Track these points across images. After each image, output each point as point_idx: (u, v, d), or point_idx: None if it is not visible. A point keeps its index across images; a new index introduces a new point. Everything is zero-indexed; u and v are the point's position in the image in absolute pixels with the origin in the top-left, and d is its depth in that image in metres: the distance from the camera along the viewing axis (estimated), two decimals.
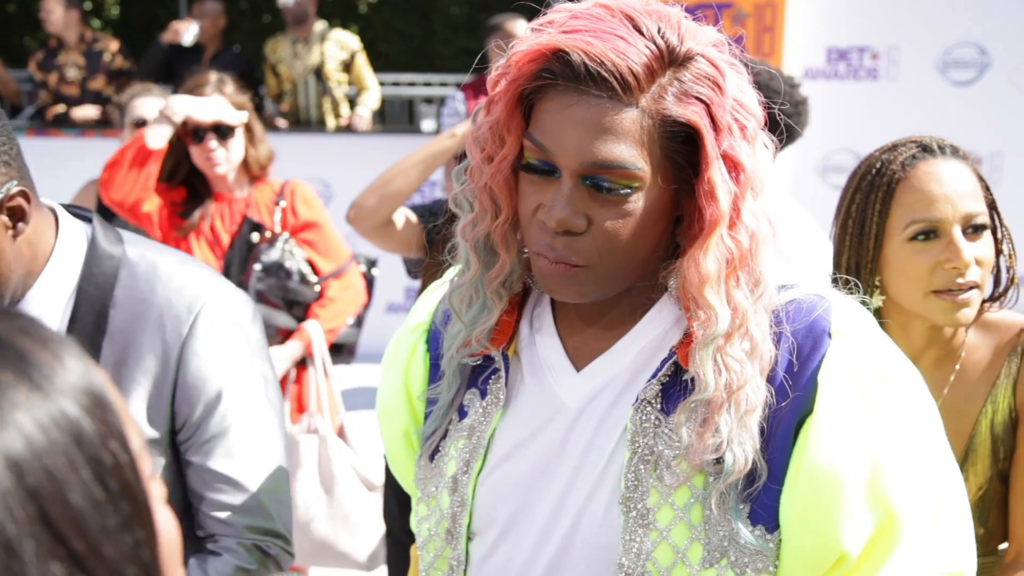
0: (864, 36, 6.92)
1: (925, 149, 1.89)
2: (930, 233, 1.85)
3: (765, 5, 6.77)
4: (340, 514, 3.32)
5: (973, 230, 1.86)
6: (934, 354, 1.94)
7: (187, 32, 7.21)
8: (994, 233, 1.91)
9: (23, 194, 1.52)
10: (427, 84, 9.90)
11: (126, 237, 1.69)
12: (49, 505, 0.62)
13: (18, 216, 1.52)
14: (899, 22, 6.83)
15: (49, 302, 1.58)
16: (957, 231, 1.84)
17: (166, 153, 3.32)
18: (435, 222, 2.88)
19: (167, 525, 0.73)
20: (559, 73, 1.19)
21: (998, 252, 1.91)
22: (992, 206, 1.91)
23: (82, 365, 0.67)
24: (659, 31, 1.18)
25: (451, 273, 1.41)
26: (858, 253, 1.90)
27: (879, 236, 1.88)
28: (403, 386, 1.47)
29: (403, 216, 2.95)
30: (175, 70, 6.99)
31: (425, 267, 2.98)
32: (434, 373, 1.44)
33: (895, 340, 1.45)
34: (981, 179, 1.90)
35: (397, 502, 2.99)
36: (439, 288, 1.49)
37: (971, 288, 1.86)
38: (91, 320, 1.58)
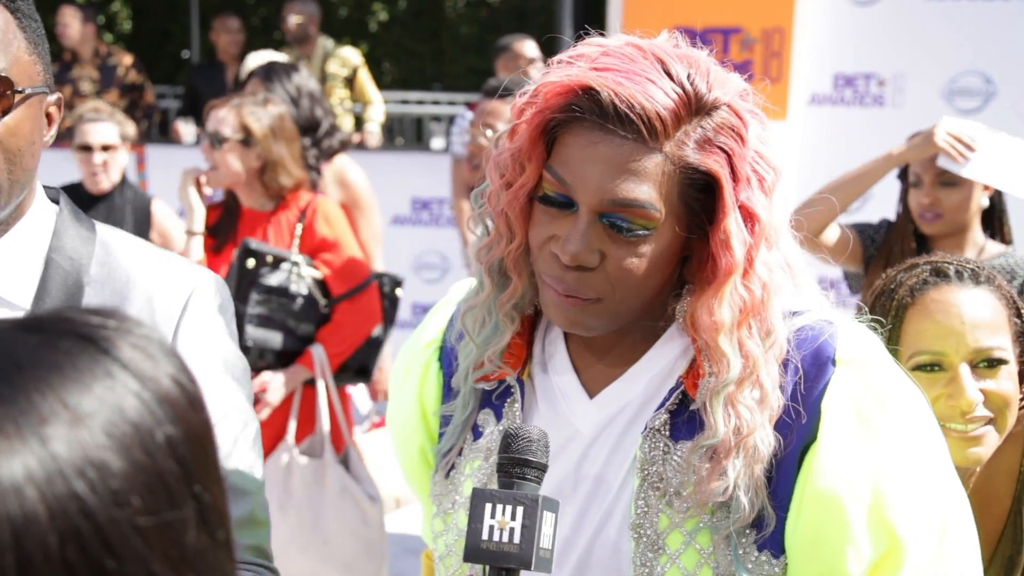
0: (871, 63, 6.95)
1: (939, 273, 1.74)
2: (934, 366, 1.71)
3: (773, 31, 6.82)
4: (334, 540, 3.35)
5: (987, 364, 1.70)
6: None
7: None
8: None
9: (59, 101, 1.49)
10: (436, 103, 9.96)
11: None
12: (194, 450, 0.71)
13: (50, 122, 1.47)
14: (905, 50, 6.87)
15: (18, 265, 1.46)
16: (964, 368, 1.69)
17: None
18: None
19: None
20: (587, 109, 1.20)
21: None
22: (1022, 334, 1.74)
23: None
24: (688, 77, 1.20)
25: (463, 293, 1.43)
26: None
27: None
28: (417, 404, 1.48)
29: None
30: (199, 90, 7.06)
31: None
32: (447, 391, 1.46)
33: None
34: (1012, 304, 1.74)
35: None
36: (448, 306, 1.50)
37: (986, 423, 1.70)
38: (61, 295, 1.47)
